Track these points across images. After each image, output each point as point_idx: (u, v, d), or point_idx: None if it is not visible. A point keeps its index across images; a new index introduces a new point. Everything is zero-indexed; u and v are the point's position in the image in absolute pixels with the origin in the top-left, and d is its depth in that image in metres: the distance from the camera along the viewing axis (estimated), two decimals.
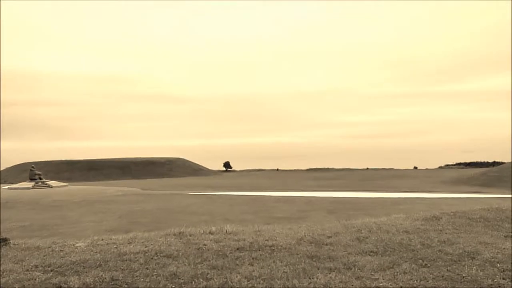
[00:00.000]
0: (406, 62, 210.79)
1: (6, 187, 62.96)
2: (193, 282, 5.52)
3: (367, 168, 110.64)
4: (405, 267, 6.17)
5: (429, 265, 6.30)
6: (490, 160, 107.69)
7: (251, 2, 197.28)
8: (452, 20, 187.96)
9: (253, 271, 5.99)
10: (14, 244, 8.10)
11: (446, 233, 8.69)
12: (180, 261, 6.57)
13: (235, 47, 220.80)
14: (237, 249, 7.43)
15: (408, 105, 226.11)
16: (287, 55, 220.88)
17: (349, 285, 5.42)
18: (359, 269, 6.09)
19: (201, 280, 5.62)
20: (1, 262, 6.71)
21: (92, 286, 5.44)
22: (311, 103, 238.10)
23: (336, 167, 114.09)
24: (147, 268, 6.20)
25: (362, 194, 44.41)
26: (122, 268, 6.24)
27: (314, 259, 6.66)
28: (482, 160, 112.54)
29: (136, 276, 5.82)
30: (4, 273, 5.98)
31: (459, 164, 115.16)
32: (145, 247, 7.61)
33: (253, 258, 6.75)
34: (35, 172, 62.99)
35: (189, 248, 7.51)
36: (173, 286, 5.42)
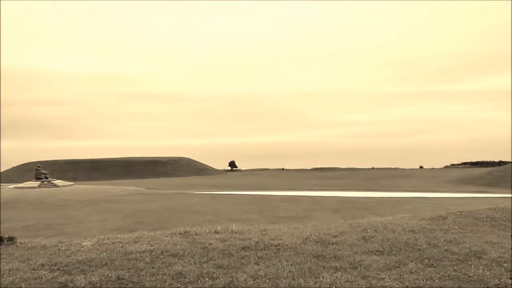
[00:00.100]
0: (407, 62, 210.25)
1: (12, 186, 63.20)
2: (199, 281, 5.52)
3: (372, 168, 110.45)
4: (411, 266, 6.16)
5: (435, 264, 6.28)
6: (496, 160, 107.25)
7: (251, 2, 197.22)
8: (452, 20, 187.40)
9: (259, 270, 5.99)
10: (21, 243, 8.13)
11: (452, 233, 8.66)
12: (185, 260, 6.58)
13: (236, 46, 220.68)
14: (243, 248, 7.42)
15: (412, 105, 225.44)
16: (289, 55, 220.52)
17: (355, 284, 5.41)
18: (365, 268, 6.07)
19: (207, 279, 5.61)
20: (8, 261, 6.73)
21: (98, 285, 5.45)
22: (315, 102, 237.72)
23: (341, 167, 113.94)
24: (153, 267, 6.20)
25: (368, 193, 44.31)
26: (128, 267, 6.25)
27: (320, 259, 6.65)
28: (488, 160, 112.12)
29: (142, 275, 5.82)
30: (11, 272, 6.00)
31: (465, 163, 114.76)
32: (151, 246, 7.62)
33: (258, 257, 6.75)
34: (41, 171, 63.19)
35: (195, 247, 7.52)
36: (179, 285, 5.42)
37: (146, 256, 6.84)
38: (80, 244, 8.05)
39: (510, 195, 35.56)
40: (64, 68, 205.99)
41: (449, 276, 5.72)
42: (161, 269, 6.09)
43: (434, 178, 72.41)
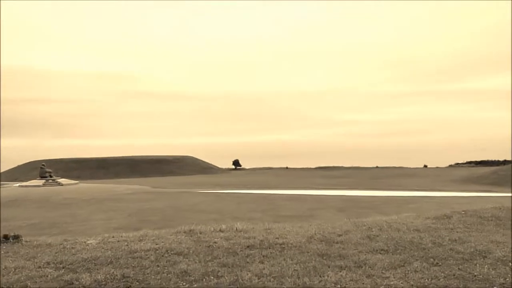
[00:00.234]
0: (409, 61, 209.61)
1: (17, 184, 63.38)
2: (204, 280, 5.53)
3: (376, 167, 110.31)
4: (416, 265, 6.15)
5: (440, 263, 6.27)
6: (501, 159, 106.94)
7: (252, 2, 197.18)
8: (452, 20, 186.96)
9: (264, 269, 6.00)
10: (26, 241, 8.16)
11: (457, 232, 8.64)
12: (190, 259, 6.59)
13: (239, 46, 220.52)
14: (247, 247, 7.43)
15: (416, 104, 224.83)
16: (290, 54, 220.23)
17: (359, 283, 5.41)
18: (370, 267, 6.07)
19: (212, 277, 5.63)
20: (14, 259, 6.77)
21: (103, 283, 5.47)
22: (318, 101, 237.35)
23: (345, 165, 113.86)
24: (158, 266, 6.22)
25: (372, 192, 44.26)
26: (133, 265, 6.27)
27: (324, 257, 6.65)
28: (493, 159, 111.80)
29: (147, 273, 5.84)
30: (16, 270, 6.03)
31: (469, 162, 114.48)
32: (156, 244, 7.64)
33: (263, 256, 6.76)
34: (46, 170, 63.33)
35: (200, 245, 7.53)
36: (184, 284, 5.43)
37: (151, 255, 6.86)
38: (85, 242, 8.08)
39: None
40: (68, 67, 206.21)
41: (454, 275, 5.72)
42: (166, 268, 6.11)
43: (438, 177, 72.27)
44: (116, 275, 5.72)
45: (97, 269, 6.05)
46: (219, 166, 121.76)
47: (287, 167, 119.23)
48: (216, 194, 43.41)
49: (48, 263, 6.42)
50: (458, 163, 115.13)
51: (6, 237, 8.11)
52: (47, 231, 20.62)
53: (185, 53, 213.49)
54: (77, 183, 62.57)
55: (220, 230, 9.02)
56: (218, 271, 5.91)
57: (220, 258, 6.61)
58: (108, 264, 6.32)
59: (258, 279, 5.54)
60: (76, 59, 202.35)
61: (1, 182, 76.55)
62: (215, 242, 7.77)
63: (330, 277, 5.59)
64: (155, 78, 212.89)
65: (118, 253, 7.02)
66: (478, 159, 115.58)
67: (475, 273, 5.76)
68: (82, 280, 5.54)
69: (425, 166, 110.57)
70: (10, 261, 6.56)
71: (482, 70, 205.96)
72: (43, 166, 64.66)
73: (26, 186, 57.10)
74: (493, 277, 5.59)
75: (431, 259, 6.48)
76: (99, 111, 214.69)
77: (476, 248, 7.12)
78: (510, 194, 37.88)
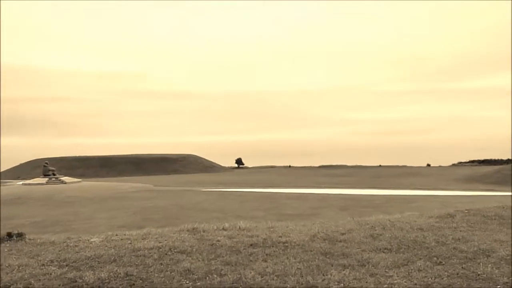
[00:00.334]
0: (411, 60, 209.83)
1: (20, 182, 63.52)
2: (207, 278, 5.54)
3: (379, 165, 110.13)
4: (419, 264, 6.14)
5: (444, 262, 6.27)
6: (504, 158, 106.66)
7: (253, 2, 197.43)
8: (453, 19, 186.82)
9: (267, 267, 6.00)
10: (30, 239, 8.18)
11: (460, 231, 8.63)
12: (193, 257, 6.60)
13: (242, 46, 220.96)
14: (251, 245, 7.43)
15: (418, 103, 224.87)
16: (294, 54, 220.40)
17: (363, 282, 5.40)
18: (373, 266, 6.07)
19: (215, 276, 5.63)
20: (17, 256, 6.78)
21: (107, 281, 5.47)
22: (321, 100, 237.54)
23: (348, 164, 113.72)
24: (161, 264, 6.22)
25: (375, 191, 44.21)
26: (137, 263, 6.28)
27: (327, 256, 6.65)
28: (496, 158, 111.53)
29: (151, 272, 5.85)
30: (20, 268, 6.04)
31: (472, 161, 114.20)
32: (159, 242, 7.64)
33: (266, 255, 6.76)
34: (49, 168, 63.47)
35: (203, 244, 7.54)
36: (187, 282, 5.44)
37: (154, 253, 6.87)
38: (88, 240, 8.09)
39: None
40: (71, 66, 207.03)
41: (457, 274, 5.71)
42: (169, 266, 6.11)
43: (441, 176, 72.13)
44: (120, 273, 5.73)
45: (101, 267, 6.05)
46: (222, 165, 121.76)
47: (290, 166, 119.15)
48: (219, 192, 43.43)
49: (52, 261, 6.43)
50: (461, 162, 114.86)
51: (9, 235, 8.13)
52: (51, 229, 20.66)
53: (188, 53, 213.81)
54: (80, 181, 62.69)
55: (223, 229, 9.02)
56: (221, 269, 5.91)
57: (223, 257, 6.61)
58: (111, 262, 6.33)
59: (261, 277, 5.55)
60: (79, 58, 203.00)
61: (4, 181, 76.71)
62: (218, 241, 7.77)
63: (333, 276, 5.58)
64: (158, 77, 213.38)
65: (121, 251, 7.03)
66: (481, 158, 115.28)
67: (479, 272, 5.75)
68: (86, 278, 5.55)
69: (428, 165, 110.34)
70: (14, 259, 6.57)
71: (483, 70, 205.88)
72: (46, 164, 64.81)
73: (29, 184, 57.23)
74: (496, 276, 5.58)
75: (435, 258, 6.47)
76: (102, 110, 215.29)
77: (480, 247, 7.10)
78: None
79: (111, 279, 5.54)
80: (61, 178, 61.98)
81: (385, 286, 5.28)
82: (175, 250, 7.04)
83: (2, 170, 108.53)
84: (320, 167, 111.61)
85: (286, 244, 7.47)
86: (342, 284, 5.30)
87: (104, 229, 19.12)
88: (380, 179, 67.54)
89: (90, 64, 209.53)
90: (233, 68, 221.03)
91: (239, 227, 9.16)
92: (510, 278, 5.53)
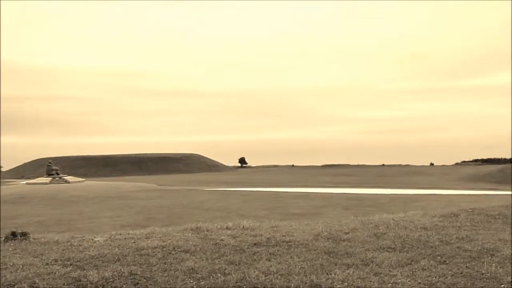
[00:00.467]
0: (418, 59, 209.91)
1: (24, 182, 63.68)
2: (211, 277, 5.54)
3: (383, 165, 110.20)
4: (423, 263, 6.13)
5: (447, 261, 6.25)
6: (508, 157, 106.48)
7: (256, 2, 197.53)
8: (465, 17, 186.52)
9: (271, 266, 5.99)
10: (34, 239, 8.19)
11: (464, 230, 8.61)
12: (197, 256, 6.60)
13: (248, 44, 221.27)
14: (254, 244, 7.43)
15: (422, 102, 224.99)
16: (302, 51, 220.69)
17: (367, 281, 5.40)
18: (377, 265, 6.06)
19: (219, 275, 5.63)
20: (22, 256, 6.79)
21: (111, 280, 5.48)
22: (324, 99, 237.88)
23: (352, 163, 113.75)
24: (165, 263, 6.23)
25: (378, 190, 44.21)
26: (140, 262, 6.28)
27: (331, 255, 6.64)
28: (500, 157, 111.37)
29: (154, 271, 5.85)
30: (24, 267, 6.05)
31: (476, 160, 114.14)
32: (163, 242, 7.65)
33: (270, 254, 6.76)
34: (52, 167, 63.65)
35: (206, 243, 7.54)
36: (191, 281, 5.44)
37: (158, 252, 6.87)
38: (92, 239, 8.10)
39: None
40: (78, 64, 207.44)
41: (461, 273, 5.69)
42: (173, 265, 6.12)
43: (445, 175, 72.09)
44: (124, 272, 5.74)
45: (105, 266, 6.06)
46: (225, 164, 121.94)
47: (293, 165, 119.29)
48: (222, 192, 43.48)
49: (56, 260, 6.44)
50: (464, 161, 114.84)
51: (14, 234, 8.15)
52: (55, 228, 20.71)
53: (192, 52, 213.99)
54: (83, 180, 62.81)
55: (227, 228, 9.02)
56: (225, 268, 5.91)
57: (227, 256, 6.61)
58: (115, 261, 6.34)
59: (265, 276, 5.54)
60: (87, 56, 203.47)
61: (8, 180, 76.91)
62: (222, 240, 7.77)
63: (337, 275, 5.58)
64: (163, 76, 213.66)
65: (125, 250, 7.04)
66: (485, 157, 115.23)
67: (483, 271, 5.73)
68: (90, 277, 5.55)
69: (432, 164, 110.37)
70: (18, 258, 6.58)
71: (495, 67, 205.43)
72: (49, 164, 64.96)
73: (33, 183, 57.35)
74: (500, 275, 5.57)
75: (439, 257, 6.46)
76: (105, 109, 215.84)
77: (484, 246, 7.09)
78: None
79: (115, 278, 5.55)
80: (65, 177, 62.12)
81: (389, 285, 5.27)
82: (179, 249, 7.04)
83: (5, 170, 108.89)
84: (323, 166, 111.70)
85: (290, 243, 7.47)
86: (346, 283, 5.30)
87: (108, 228, 19.17)
88: (383, 178, 67.53)
89: (93, 63, 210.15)
90: (237, 67, 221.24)
91: (243, 226, 9.15)
92: None
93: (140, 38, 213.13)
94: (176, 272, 5.76)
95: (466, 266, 5.98)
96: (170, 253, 6.83)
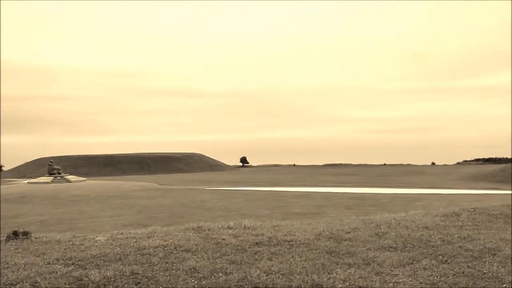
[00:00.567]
0: (419, 58, 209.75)
1: (26, 181, 63.74)
2: (213, 277, 5.54)
3: (384, 164, 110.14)
4: (425, 263, 6.13)
5: (449, 261, 6.25)
6: (509, 156, 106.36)
7: (257, 2, 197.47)
8: (465, 16, 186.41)
9: (272, 266, 5.99)
10: (35, 238, 8.20)
11: (466, 229, 8.61)
12: (199, 256, 6.60)
13: (249, 43, 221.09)
14: (256, 244, 7.43)
15: (424, 101, 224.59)
16: (302, 51, 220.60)
17: (368, 280, 5.39)
18: (379, 264, 6.05)
19: (221, 274, 5.63)
20: (23, 255, 6.80)
21: (112, 279, 5.48)
22: (326, 98, 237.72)
23: (353, 163, 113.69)
24: (166, 262, 6.23)
25: (380, 190, 44.18)
26: (142, 262, 6.28)
27: (333, 255, 6.64)
28: (501, 156, 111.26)
29: (156, 270, 5.85)
30: (26, 266, 6.05)
31: (478, 160, 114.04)
32: (164, 241, 7.65)
33: (272, 253, 6.76)
34: (54, 166, 63.73)
35: (208, 242, 7.54)
36: (192, 280, 5.43)
37: (160, 251, 6.87)
38: (94, 239, 8.10)
39: None
40: (79, 63, 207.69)
41: (463, 272, 5.69)
42: (174, 264, 6.12)
43: (446, 175, 72.04)
44: (125, 272, 5.74)
45: (106, 266, 6.06)
46: (227, 163, 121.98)
47: (294, 164, 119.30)
48: (223, 191, 43.49)
49: (58, 260, 6.44)
50: (466, 161, 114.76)
51: (15, 234, 8.15)
52: (56, 227, 20.72)
53: (193, 51, 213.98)
54: (85, 180, 62.87)
55: (228, 227, 9.02)
56: (227, 268, 5.91)
57: (228, 255, 6.61)
58: (117, 261, 6.34)
59: (267, 276, 5.54)
60: (89, 56, 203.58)
61: (10, 179, 76.98)
62: (224, 239, 7.78)
63: (339, 275, 5.58)
64: (163, 76, 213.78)
65: (127, 249, 7.04)
66: (486, 156, 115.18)
67: (485, 271, 5.73)
68: (91, 276, 5.56)
69: (433, 163, 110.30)
70: (20, 257, 6.59)
71: (495, 67, 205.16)
72: (51, 163, 65.04)
73: (34, 183, 57.41)
74: (502, 275, 5.57)
75: (440, 257, 6.46)
76: (106, 108, 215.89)
77: (485, 246, 7.08)
78: None
79: (117, 277, 5.55)
80: (66, 176, 62.18)
81: (391, 284, 5.27)
82: (180, 249, 7.04)
83: (7, 169, 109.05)
84: (324, 165, 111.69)
85: (291, 243, 7.47)
86: (347, 283, 5.30)
87: (109, 227, 19.20)
88: (385, 178, 67.51)
89: (93, 63, 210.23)
90: (237, 67, 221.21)
91: (244, 226, 9.15)
92: None
93: (140, 38, 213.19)
94: (177, 272, 5.76)
95: (468, 266, 5.98)
96: (171, 252, 6.84)
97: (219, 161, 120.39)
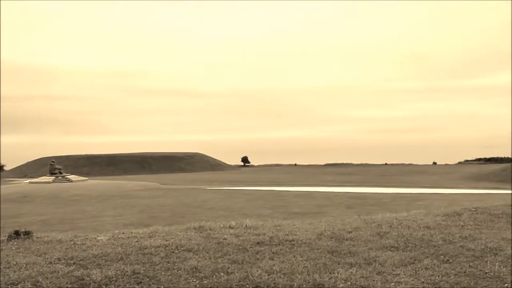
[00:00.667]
0: (421, 58, 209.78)
1: (27, 181, 63.77)
2: (214, 276, 5.54)
3: (386, 164, 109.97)
4: (426, 262, 6.12)
5: (451, 261, 6.24)
6: (511, 156, 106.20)
7: (257, 2, 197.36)
8: (465, 16, 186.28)
9: (274, 265, 5.99)
10: (37, 237, 8.20)
11: (468, 229, 8.60)
12: (200, 255, 6.60)
13: (251, 43, 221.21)
14: (257, 243, 7.43)
15: (425, 101, 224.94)
16: (302, 51, 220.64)
17: (370, 280, 5.39)
18: (380, 264, 6.05)
19: (222, 274, 5.63)
20: (25, 255, 6.81)
21: (114, 279, 5.48)
22: (327, 98, 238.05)
23: (354, 162, 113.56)
24: (168, 262, 6.23)
25: (381, 189, 44.13)
26: (143, 261, 6.29)
27: (334, 254, 6.64)
28: (503, 156, 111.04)
29: (157, 270, 5.86)
30: (28, 266, 6.06)
31: (479, 159, 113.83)
32: (166, 241, 7.65)
33: (273, 253, 6.76)
34: (55, 166, 63.74)
35: (209, 242, 7.54)
36: (194, 280, 5.44)
37: (161, 251, 6.88)
38: (95, 238, 8.10)
39: None
40: (80, 63, 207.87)
41: (465, 272, 5.69)
42: (176, 264, 6.12)
43: (448, 174, 71.93)
44: (127, 271, 5.74)
45: (108, 265, 6.07)
46: (228, 163, 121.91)
47: (295, 164, 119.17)
48: (225, 191, 43.50)
49: (59, 259, 6.45)
50: (467, 160, 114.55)
51: (17, 233, 8.16)
52: (58, 227, 20.73)
53: (195, 51, 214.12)
54: (86, 179, 62.89)
55: (230, 227, 9.02)
56: (228, 267, 5.91)
57: (230, 255, 6.61)
58: (118, 260, 6.34)
59: (268, 275, 5.54)
60: (90, 56, 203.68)
61: (11, 179, 77.04)
62: (225, 239, 7.77)
63: (340, 274, 5.57)
64: (164, 76, 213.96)
65: (128, 249, 7.04)
66: (488, 156, 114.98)
67: (486, 271, 5.72)
68: (93, 276, 5.56)
69: (434, 163, 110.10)
70: (22, 257, 6.59)
71: (496, 66, 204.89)
72: (53, 163, 65.05)
73: (36, 182, 57.44)
74: (504, 275, 5.56)
75: (442, 256, 6.45)
76: (106, 108, 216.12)
77: (487, 246, 7.07)
78: None
79: (118, 277, 5.56)
80: (68, 176, 62.20)
81: (392, 284, 5.26)
82: (182, 248, 7.04)
83: (9, 169, 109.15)
84: (326, 165, 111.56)
85: (293, 242, 7.47)
86: (349, 282, 5.29)
87: (111, 227, 19.21)
88: (386, 177, 67.42)
89: (93, 63, 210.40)
90: (237, 67, 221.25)
91: (246, 225, 9.15)
92: None
93: (140, 38, 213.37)
94: (179, 271, 5.76)
95: (469, 265, 5.97)
96: (173, 252, 6.84)
97: (220, 161, 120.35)
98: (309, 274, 5.58)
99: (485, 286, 5.22)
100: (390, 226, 8.89)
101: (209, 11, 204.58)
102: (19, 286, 5.24)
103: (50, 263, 6.24)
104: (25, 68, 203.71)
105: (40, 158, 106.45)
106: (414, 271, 5.72)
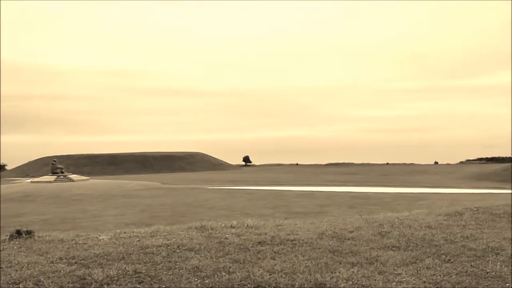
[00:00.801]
0: (420, 58, 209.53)
1: (29, 180, 63.84)
2: (216, 276, 5.54)
3: (387, 163, 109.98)
4: (428, 262, 6.12)
5: (452, 260, 6.24)
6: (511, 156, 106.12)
7: (258, 1, 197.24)
8: (466, 16, 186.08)
9: (275, 265, 5.99)
10: (39, 237, 8.21)
11: (469, 229, 8.59)
12: (202, 255, 6.60)
13: (252, 43, 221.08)
14: (259, 243, 7.43)
15: (427, 100, 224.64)
16: (302, 51, 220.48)
17: (371, 279, 5.39)
18: (382, 264, 6.05)
19: (223, 273, 5.63)
20: (27, 254, 6.81)
21: (115, 278, 5.48)
22: (329, 98, 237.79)
23: (356, 162, 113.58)
24: (169, 261, 6.23)
25: (383, 189, 44.12)
26: (145, 261, 6.29)
27: (336, 254, 6.64)
28: (504, 155, 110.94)
29: (159, 269, 5.86)
30: (29, 265, 6.06)
31: (481, 159, 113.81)
32: (167, 240, 7.65)
33: (275, 252, 6.75)
34: (57, 166, 63.78)
35: (211, 241, 7.54)
36: (195, 279, 5.44)
37: (163, 250, 6.88)
38: (97, 238, 8.11)
39: None
40: (76, 64, 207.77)
41: (466, 272, 5.68)
42: (177, 263, 6.12)
43: (449, 174, 71.92)
44: (128, 271, 5.74)
45: (109, 265, 6.07)
46: (230, 163, 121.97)
47: (297, 164, 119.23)
48: (226, 190, 43.51)
49: (61, 259, 6.45)
50: (469, 160, 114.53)
51: (19, 233, 8.17)
52: (59, 226, 20.75)
53: (195, 51, 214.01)
54: (88, 179, 62.93)
55: (231, 226, 9.02)
56: (230, 267, 5.91)
57: (231, 254, 6.61)
58: (120, 260, 6.34)
59: (270, 275, 5.54)
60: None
61: (13, 178, 77.15)
62: (227, 238, 7.78)
63: (342, 274, 5.57)
64: (164, 75, 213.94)
65: (130, 248, 7.05)
66: (489, 155, 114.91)
67: (488, 270, 5.72)
68: (95, 275, 5.56)
69: (436, 162, 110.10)
70: (23, 256, 6.60)
71: (497, 66, 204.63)
72: (54, 162, 65.09)
73: (37, 182, 57.48)
74: (505, 274, 5.56)
75: (443, 256, 6.45)
76: (107, 108, 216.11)
77: (489, 245, 7.07)
78: None
79: (120, 276, 5.56)
80: (69, 175, 62.25)
81: (394, 284, 5.26)
82: (184, 248, 7.05)
83: (10, 168, 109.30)
84: (327, 165, 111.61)
85: (294, 242, 7.46)
86: (350, 282, 5.29)
87: (112, 226, 19.23)
88: (387, 177, 67.42)
89: (93, 62, 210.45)
90: (237, 67, 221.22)
91: (247, 225, 9.15)
92: None
93: (140, 38, 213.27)
94: (180, 271, 5.77)
95: (471, 265, 5.97)
96: (174, 251, 6.84)
97: (221, 160, 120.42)
98: (310, 274, 5.57)
99: (487, 285, 5.22)
100: (392, 226, 8.89)
101: (209, 11, 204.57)
102: (20, 285, 5.25)
103: (52, 262, 6.25)
104: (25, 68, 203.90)
105: (42, 158, 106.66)
106: (415, 271, 5.72)
